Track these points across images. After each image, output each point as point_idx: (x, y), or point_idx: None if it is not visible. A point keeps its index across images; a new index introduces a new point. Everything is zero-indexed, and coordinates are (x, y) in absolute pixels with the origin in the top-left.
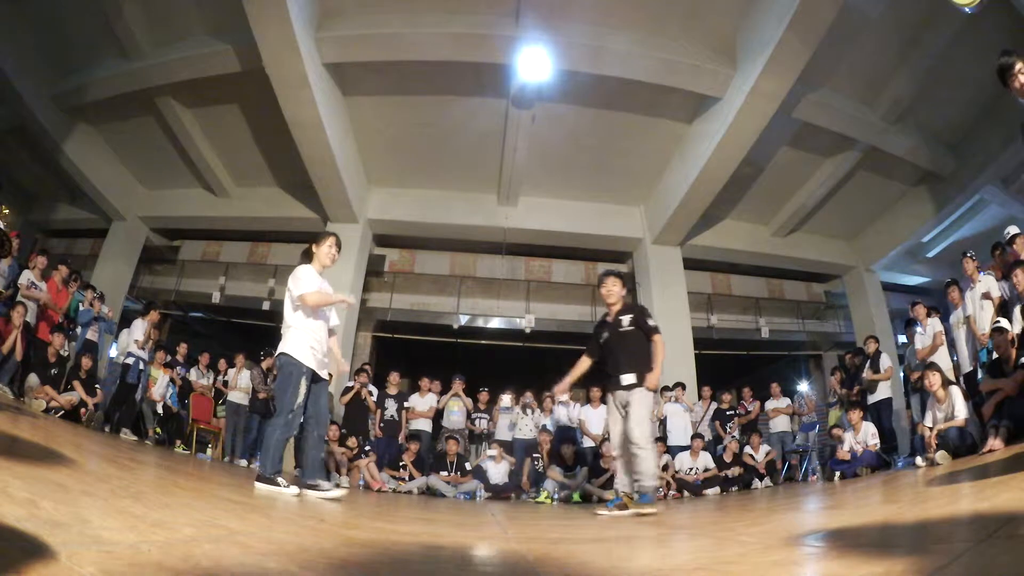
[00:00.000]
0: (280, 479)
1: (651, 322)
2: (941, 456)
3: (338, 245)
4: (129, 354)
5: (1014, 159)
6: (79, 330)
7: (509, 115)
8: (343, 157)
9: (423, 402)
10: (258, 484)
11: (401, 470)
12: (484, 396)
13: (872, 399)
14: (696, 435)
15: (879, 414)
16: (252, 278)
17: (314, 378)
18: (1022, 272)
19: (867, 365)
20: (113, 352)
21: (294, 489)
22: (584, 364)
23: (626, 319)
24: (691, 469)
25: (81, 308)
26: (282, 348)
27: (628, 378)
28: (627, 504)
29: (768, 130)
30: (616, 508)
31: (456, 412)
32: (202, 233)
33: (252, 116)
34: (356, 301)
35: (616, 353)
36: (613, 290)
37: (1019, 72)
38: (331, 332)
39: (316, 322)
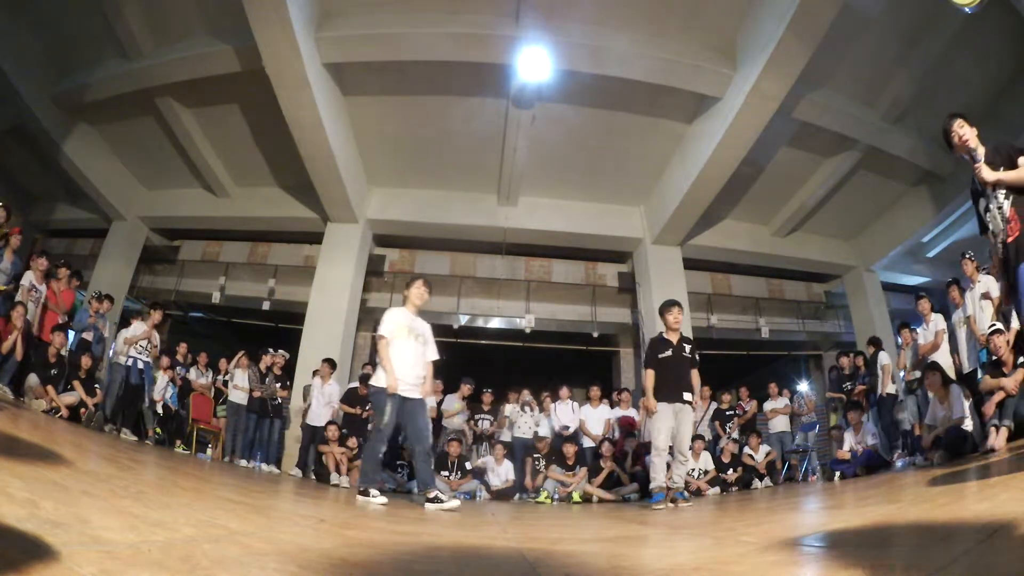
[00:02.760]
0: (372, 490)
1: (697, 357)
2: (941, 456)
3: (427, 285)
4: (130, 355)
5: None
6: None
7: (509, 115)
8: (343, 157)
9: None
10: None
11: (399, 470)
12: (488, 397)
13: (875, 396)
14: (697, 436)
15: (880, 411)
16: (252, 278)
17: (404, 400)
18: None
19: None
20: (111, 352)
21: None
22: (652, 377)
23: (688, 347)
24: (692, 470)
25: (81, 309)
26: (373, 381)
27: (688, 396)
28: (668, 497)
29: (768, 130)
30: (670, 501)
31: (458, 415)
32: (202, 233)
33: (252, 116)
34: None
35: (680, 372)
36: (680, 318)
37: (957, 128)
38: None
39: (399, 353)
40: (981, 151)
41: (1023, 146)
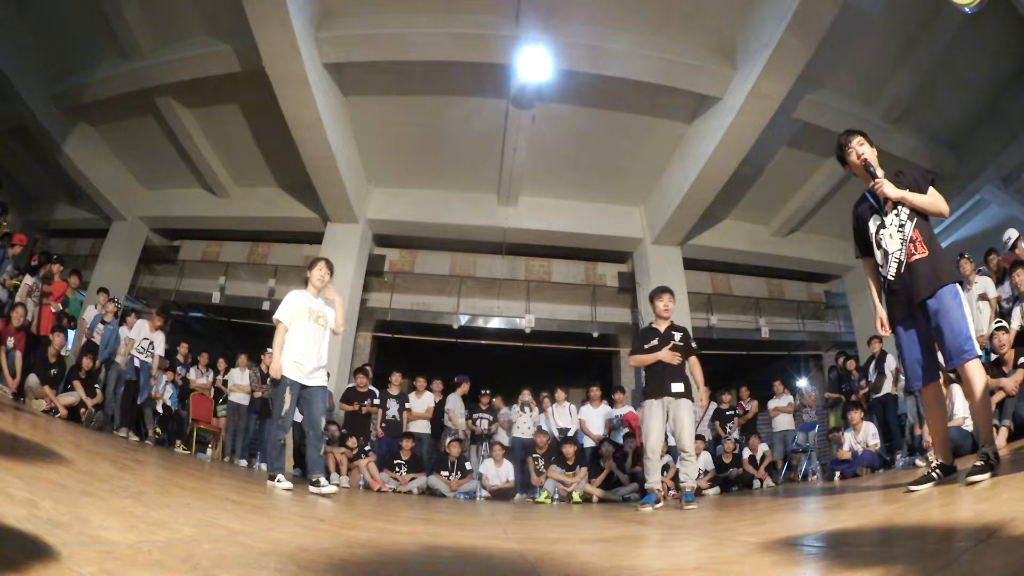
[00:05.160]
0: (279, 476)
1: (694, 344)
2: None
3: (329, 268)
4: (130, 353)
5: (1014, 159)
6: (71, 332)
7: (509, 115)
8: (343, 157)
9: (420, 403)
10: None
11: (397, 469)
12: (486, 400)
13: (877, 396)
14: (697, 436)
15: (884, 411)
16: (252, 278)
17: (303, 387)
18: (1023, 272)
19: (872, 366)
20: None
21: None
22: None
23: (677, 335)
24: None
25: (94, 314)
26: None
27: (678, 387)
28: (660, 500)
29: (768, 130)
30: (653, 504)
31: (458, 414)
32: (202, 233)
33: (252, 116)
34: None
35: (669, 365)
36: (670, 306)
37: (856, 145)
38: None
39: (296, 339)
40: (881, 172)
41: (931, 175)
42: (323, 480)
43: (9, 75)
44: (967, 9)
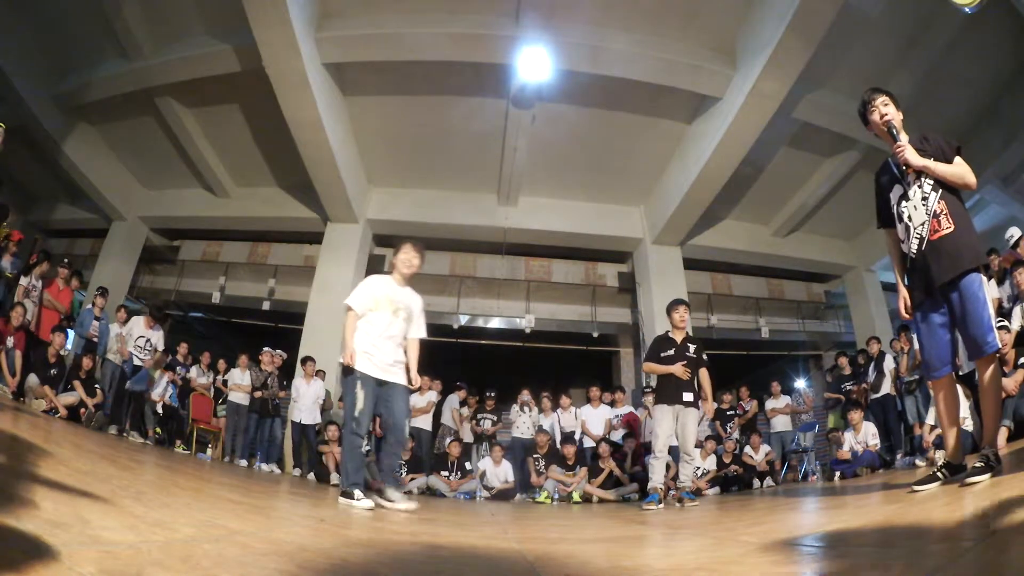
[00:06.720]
0: (356, 491)
1: (705, 356)
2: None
3: (417, 251)
4: (130, 352)
5: (1014, 159)
6: (71, 332)
7: (509, 115)
8: (343, 157)
9: (422, 399)
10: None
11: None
12: (492, 402)
13: (876, 396)
14: (710, 436)
15: (884, 411)
16: (252, 278)
17: (380, 383)
18: (1023, 271)
19: (871, 366)
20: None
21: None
22: (654, 367)
23: (692, 347)
24: (697, 469)
25: (84, 309)
26: (341, 359)
27: (688, 396)
28: (662, 499)
29: (768, 130)
30: (656, 503)
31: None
32: (202, 233)
33: (252, 116)
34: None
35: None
36: (686, 317)
37: (880, 105)
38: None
39: (372, 329)
40: (905, 136)
41: (958, 142)
42: (395, 494)
43: (9, 75)
44: (967, 9)
